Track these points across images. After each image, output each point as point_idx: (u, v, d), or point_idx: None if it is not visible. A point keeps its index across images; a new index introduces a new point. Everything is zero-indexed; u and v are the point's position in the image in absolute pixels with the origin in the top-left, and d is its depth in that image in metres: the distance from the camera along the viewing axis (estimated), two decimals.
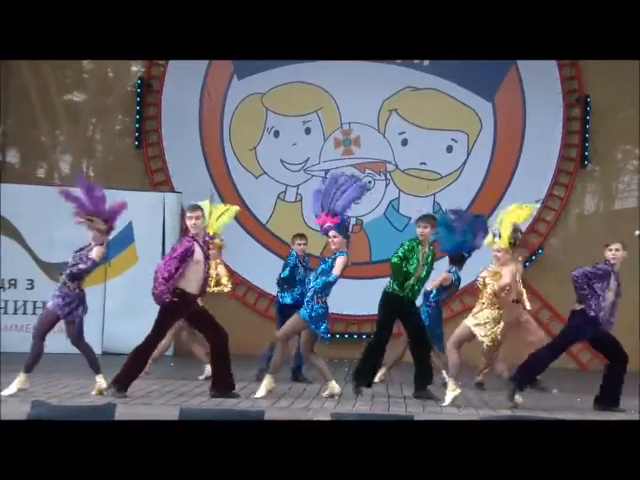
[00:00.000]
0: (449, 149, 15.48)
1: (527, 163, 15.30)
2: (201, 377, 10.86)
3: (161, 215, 14.29)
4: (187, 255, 9.09)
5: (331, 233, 9.70)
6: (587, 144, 15.27)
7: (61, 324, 9.31)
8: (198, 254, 9.18)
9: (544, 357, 9.59)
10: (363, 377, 9.92)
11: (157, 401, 8.95)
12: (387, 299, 9.97)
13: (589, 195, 15.94)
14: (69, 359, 10.68)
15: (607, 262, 9.50)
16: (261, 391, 9.48)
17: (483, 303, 9.68)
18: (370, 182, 12.40)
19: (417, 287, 9.96)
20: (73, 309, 9.15)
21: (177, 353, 13.70)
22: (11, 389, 8.92)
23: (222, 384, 9.35)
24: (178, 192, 14.82)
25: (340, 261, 9.55)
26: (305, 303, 9.63)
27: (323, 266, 9.65)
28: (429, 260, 9.91)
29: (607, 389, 9.52)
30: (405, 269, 9.77)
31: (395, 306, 9.91)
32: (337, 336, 14.06)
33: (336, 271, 9.52)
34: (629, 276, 13.95)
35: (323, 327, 9.55)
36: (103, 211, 9.28)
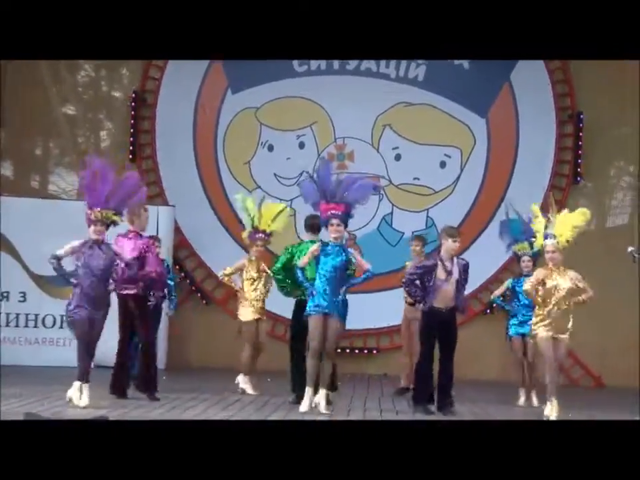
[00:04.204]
0: (443, 165, 15.52)
1: (520, 179, 15.32)
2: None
3: (154, 228, 14.25)
4: None
5: (335, 220, 8.90)
6: (579, 160, 15.32)
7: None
8: None
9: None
10: (298, 387, 9.64)
11: (151, 413, 8.89)
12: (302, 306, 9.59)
13: None
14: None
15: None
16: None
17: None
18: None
19: None
20: None
21: (169, 367, 13.68)
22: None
23: None
24: (171, 205, 14.85)
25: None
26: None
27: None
28: None
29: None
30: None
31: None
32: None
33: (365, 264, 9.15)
34: (626, 293, 14.04)
35: None
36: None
